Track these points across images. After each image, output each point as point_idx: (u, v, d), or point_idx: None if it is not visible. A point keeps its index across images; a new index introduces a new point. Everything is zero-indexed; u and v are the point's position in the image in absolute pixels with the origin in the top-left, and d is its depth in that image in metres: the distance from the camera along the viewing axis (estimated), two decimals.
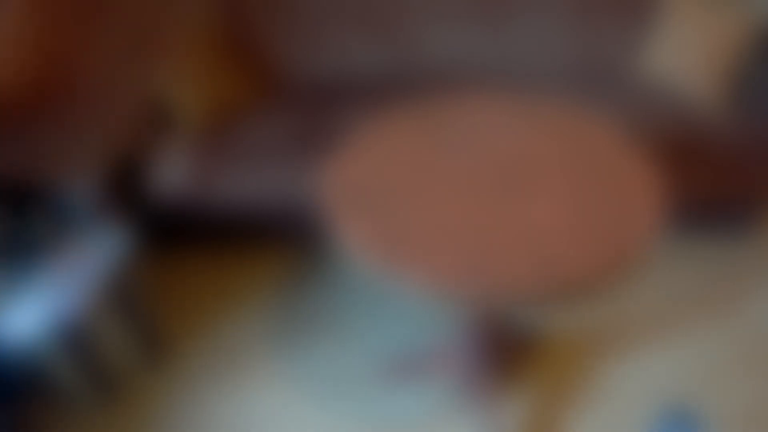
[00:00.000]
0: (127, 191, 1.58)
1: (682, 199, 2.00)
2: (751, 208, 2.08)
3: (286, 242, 2.22)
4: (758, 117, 2.01)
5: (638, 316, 1.96)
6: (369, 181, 1.40)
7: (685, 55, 2.04)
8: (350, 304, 2.01)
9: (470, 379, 1.77)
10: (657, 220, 1.31)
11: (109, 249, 1.56)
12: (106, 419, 1.74)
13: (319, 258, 2.16)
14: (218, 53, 1.74)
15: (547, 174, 1.41)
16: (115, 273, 1.59)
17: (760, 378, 1.80)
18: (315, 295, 2.03)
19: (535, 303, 1.21)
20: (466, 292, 1.19)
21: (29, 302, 1.45)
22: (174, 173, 1.64)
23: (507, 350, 1.86)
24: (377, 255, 1.24)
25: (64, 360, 1.87)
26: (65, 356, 1.87)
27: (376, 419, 1.72)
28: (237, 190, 1.92)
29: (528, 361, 1.84)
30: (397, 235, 1.28)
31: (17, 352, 1.46)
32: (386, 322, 1.95)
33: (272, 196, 1.93)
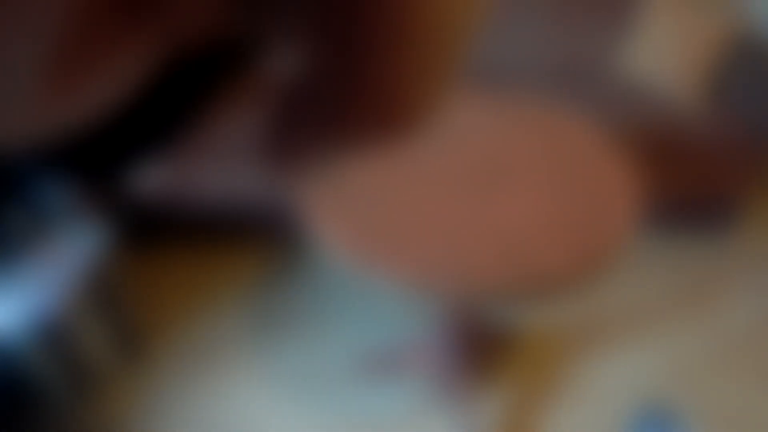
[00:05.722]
0: (105, 185, 1.56)
1: (660, 197, 2.01)
2: (730, 206, 2.09)
3: (263, 238, 2.21)
4: (738, 116, 2.03)
5: (616, 314, 1.96)
6: (346, 177, 1.39)
7: (665, 55, 2.04)
8: (327, 299, 2.00)
9: (446, 375, 1.77)
10: (634, 217, 1.32)
11: (87, 244, 1.55)
12: (84, 415, 1.72)
13: (296, 253, 2.15)
14: None
15: (525, 170, 1.41)
16: (93, 269, 1.58)
17: (740, 376, 1.81)
18: (292, 290, 2.03)
19: (511, 298, 1.21)
20: (442, 286, 1.19)
21: (5, 299, 1.44)
22: (152, 168, 1.62)
23: (483, 347, 1.86)
24: (353, 249, 1.24)
25: (41, 357, 1.86)
26: (43, 353, 1.85)
27: (353, 414, 1.72)
28: (214, 185, 1.91)
29: (505, 358, 1.85)
30: (373, 228, 1.27)
31: None
32: (363, 317, 1.95)
33: (249, 192, 1.92)
